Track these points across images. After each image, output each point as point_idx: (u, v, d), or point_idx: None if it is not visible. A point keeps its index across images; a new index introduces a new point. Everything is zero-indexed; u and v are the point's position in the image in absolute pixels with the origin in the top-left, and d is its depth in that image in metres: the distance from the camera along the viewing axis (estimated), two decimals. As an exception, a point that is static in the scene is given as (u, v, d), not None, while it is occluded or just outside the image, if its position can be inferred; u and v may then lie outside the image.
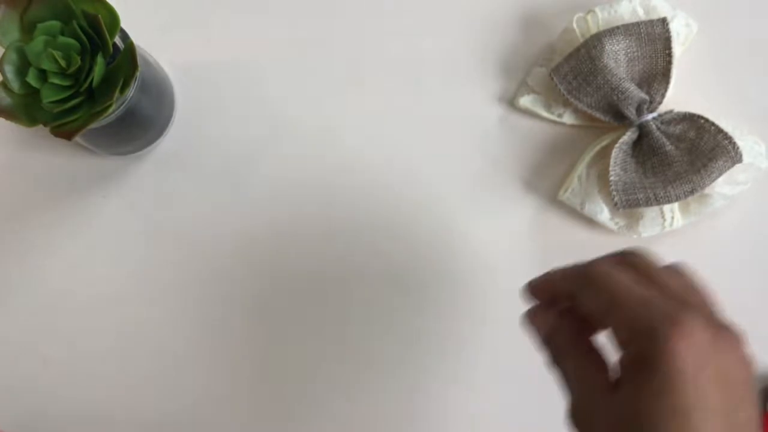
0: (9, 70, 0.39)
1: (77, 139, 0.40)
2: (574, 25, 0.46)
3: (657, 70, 0.44)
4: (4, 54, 0.40)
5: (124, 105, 0.41)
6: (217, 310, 0.46)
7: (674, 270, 0.32)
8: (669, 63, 0.44)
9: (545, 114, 0.47)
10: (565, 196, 0.46)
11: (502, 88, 0.48)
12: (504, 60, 0.48)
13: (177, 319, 0.47)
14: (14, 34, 0.40)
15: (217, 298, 0.46)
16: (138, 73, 0.39)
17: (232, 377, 0.46)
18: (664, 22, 0.44)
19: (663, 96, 0.44)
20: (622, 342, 0.30)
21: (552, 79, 0.45)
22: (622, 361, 0.30)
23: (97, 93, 0.40)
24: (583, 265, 0.33)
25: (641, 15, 0.45)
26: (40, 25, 0.39)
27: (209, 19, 0.50)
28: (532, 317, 0.34)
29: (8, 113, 0.40)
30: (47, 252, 0.47)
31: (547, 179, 0.47)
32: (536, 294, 0.35)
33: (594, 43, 0.44)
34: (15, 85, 0.40)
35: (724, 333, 0.29)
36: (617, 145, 0.44)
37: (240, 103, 0.48)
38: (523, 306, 0.34)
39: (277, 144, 0.48)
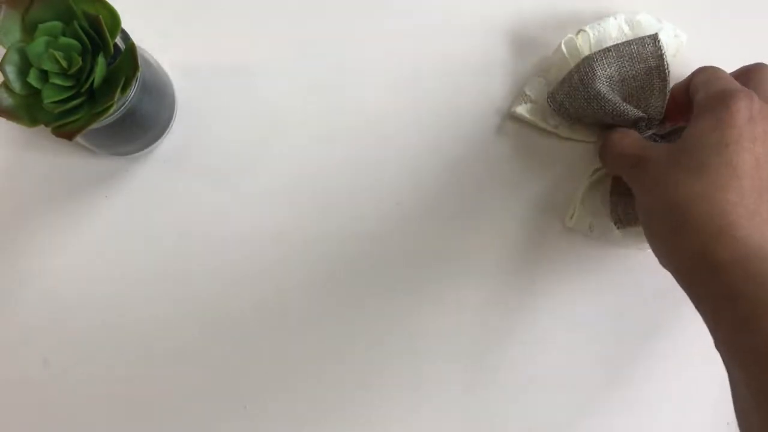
0: (10, 71, 0.39)
1: (78, 139, 0.40)
2: (563, 47, 0.45)
3: (653, 88, 0.44)
4: (5, 54, 0.40)
5: (125, 105, 0.41)
6: (218, 309, 0.47)
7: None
8: (664, 81, 0.43)
9: (541, 124, 0.47)
10: (571, 223, 0.46)
11: (500, 97, 0.48)
12: (503, 69, 0.48)
13: (177, 318, 0.47)
14: (15, 34, 0.40)
15: (218, 297, 0.47)
16: (139, 74, 0.39)
17: (233, 376, 0.46)
18: (655, 39, 0.43)
19: (661, 112, 0.44)
20: (698, 102, 0.39)
21: (549, 105, 0.45)
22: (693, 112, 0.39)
23: (98, 93, 0.40)
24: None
25: (627, 31, 0.45)
26: (41, 26, 0.39)
27: (210, 19, 0.50)
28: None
29: (9, 113, 0.40)
30: (48, 252, 0.47)
31: (542, 187, 0.47)
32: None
33: (585, 69, 0.44)
34: (16, 86, 0.40)
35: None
36: None
37: (240, 104, 0.48)
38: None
39: (277, 144, 0.48)
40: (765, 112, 0.37)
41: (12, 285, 0.47)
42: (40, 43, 0.39)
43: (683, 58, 0.46)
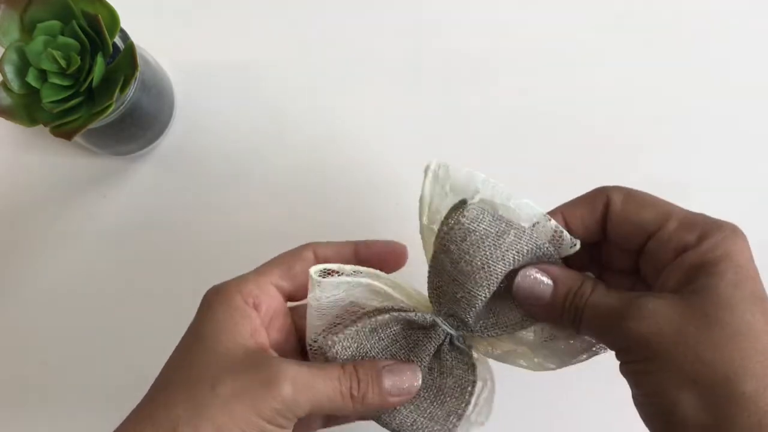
0: (9, 70, 0.39)
1: (77, 138, 0.40)
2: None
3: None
4: (4, 54, 0.40)
5: (124, 105, 0.41)
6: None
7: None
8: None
9: None
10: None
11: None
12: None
13: (177, 318, 0.46)
14: (14, 34, 0.40)
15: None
16: (138, 73, 0.39)
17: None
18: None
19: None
20: (685, 246, 0.30)
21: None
22: (689, 263, 0.30)
23: (97, 93, 0.40)
24: (608, 186, 0.33)
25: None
26: (40, 25, 0.39)
27: (209, 19, 0.50)
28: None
29: (8, 113, 0.40)
30: (47, 251, 0.47)
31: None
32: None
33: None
34: (15, 85, 0.40)
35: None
36: None
37: (240, 103, 0.48)
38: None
39: (277, 143, 0.48)
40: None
41: (12, 285, 0.47)
42: (38, 42, 0.39)
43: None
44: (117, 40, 0.41)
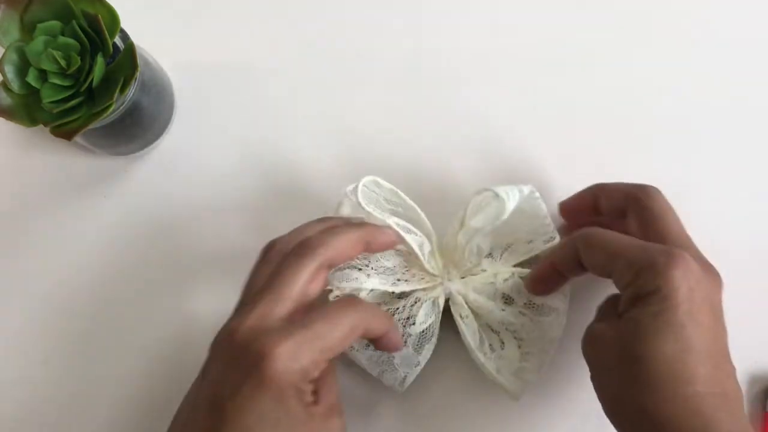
0: (9, 70, 0.39)
1: (77, 139, 0.40)
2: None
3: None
4: (4, 54, 0.40)
5: (124, 105, 0.41)
6: (218, 308, 0.46)
7: (672, 217, 0.38)
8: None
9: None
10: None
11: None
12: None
13: (178, 318, 0.47)
14: (14, 34, 0.40)
15: (218, 296, 0.46)
16: (138, 74, 0.39)
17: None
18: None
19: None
20: (627, 283, 0.34)
21: None
22: (628, 297, 0.34)
23: (97, 93, 0.40)
24: (579, 233, 0.38)
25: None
26: (40, 25, 0.39)
27: (209, 19, 0.50)
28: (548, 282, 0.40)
29: (8, 113, 0.40)
30: (47, 252, 0.47)
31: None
32: (539, 286, 0.41)
33: None
34: (15, 85, 0.40)
35: (710, 268, 0.35)
36: None
37: (240, 103, 0.48)
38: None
39: (277, 143, 0.48)
40: (703, 274, 0.34)
41: (12, 285, 0.47)
42: (39, 42, 0.39)
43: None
44: (117, 40, 0.41)
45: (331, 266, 0.36)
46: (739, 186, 0.47)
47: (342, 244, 0.36)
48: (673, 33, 0.49)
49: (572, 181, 0.44)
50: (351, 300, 0.35)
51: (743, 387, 0.45)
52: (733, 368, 0.34)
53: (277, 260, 0.36)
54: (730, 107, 0.48)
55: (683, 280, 0.33)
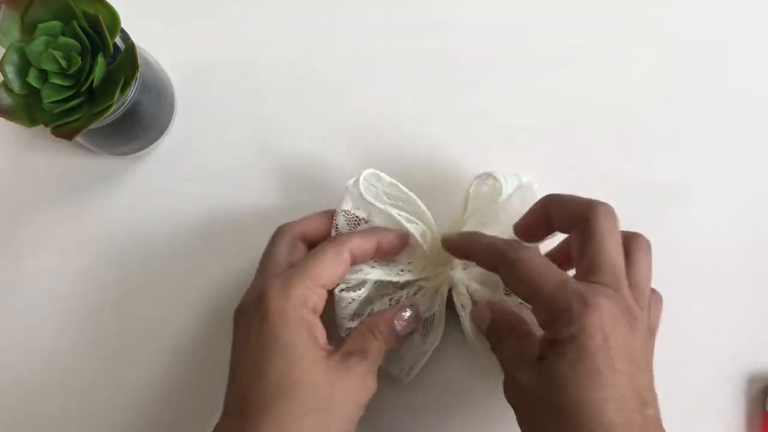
0: (10, 71, 0.39)
1: (78, 139, 0.40)
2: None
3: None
4: (4, 54, 0.40)
5: (124, 105, 0.41)
6: (218, 308, 0.47)
7: (612, 243, 0.36)
8: None
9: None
10: None
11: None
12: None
13: (178, 317, 0.47)
14: (15, 34, 0.40)
15: (218, 296, 0.46)
16: (138, 74, 0.39)
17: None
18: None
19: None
20: (544, 322, 0.35)
21: None
22: (545, 339, 0.35)
23: (98, 93, 0.40)
24: (504, 244, 0.38)
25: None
26: (40, 26, 0.39)
27: (209, 19, 0.50)
28: (474, 313, 0.41)
29: (9, 113, 0.40)
30: (47, 252, 0.47)
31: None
32: (451, 249, 0.41)
33: None
34: (16, 86, 0.40)
35: (629, 310, 0.34)
36: None
37: (240, 103, 0.48)
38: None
39: (277, 143, 0.48)
40: (620, 318, 0.34)
41: (12, 285, 0.47)
42: (39, 42, 0.39)
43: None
44: (117, 40, 0.41)
45: (354, 260, 0.39)
46: (739, 186, 0.47)
47: (361, 241, 0.40)
48: (673, 33, 0.50)
49: (572, 181, 0.44)
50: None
51: (743, 387, 0.45)
52: (656, 411, 0.34)
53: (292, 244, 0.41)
54: (730, 107, 0.48)
55: (598, 329, 0.33)
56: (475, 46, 0.49)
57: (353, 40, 0.49)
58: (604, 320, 0.33)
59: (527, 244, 0.39)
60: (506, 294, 0.42)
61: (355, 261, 0.39)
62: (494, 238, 0.39)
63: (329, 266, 0.38)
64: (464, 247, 0.40)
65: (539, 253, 0.37)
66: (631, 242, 0.37)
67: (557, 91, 0.48)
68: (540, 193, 0.41)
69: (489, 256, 0.38)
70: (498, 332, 0.39)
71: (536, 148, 0.48)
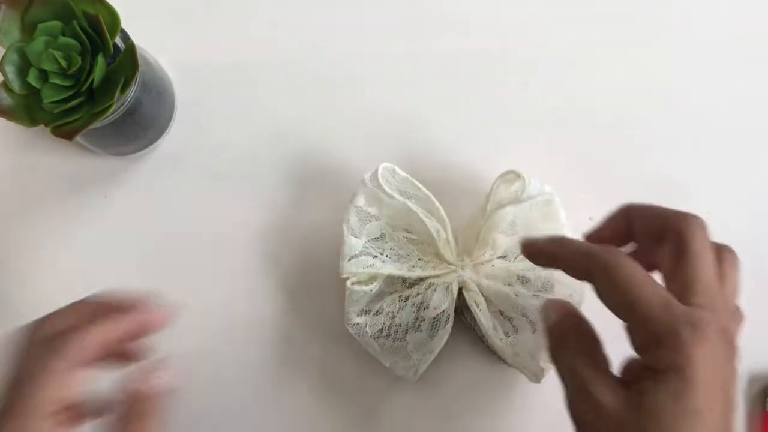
0: (10, 71, 0.40)
1: (78, 139, 0.40)
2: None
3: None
4: (5, 54, 0.40)
5: (124, 105, 0.41)
6: (218, 308, 0.47)
7: (708, 261, 0.33)
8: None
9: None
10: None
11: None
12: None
13: (178, 317, 0.46)
14: (15, 34, 0.40)
15: (218, 296, 0.46)
16: (138, 74, 0.40)
17: (239, 375, 0.46)
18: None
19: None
20: (641, 344, 0.31)
21: None
22: (642, 363, 0.31)
23: (98, 93, 0.40)
24: (601, 247, 0.33)
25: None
26: (40, 26, 0.39)
27: (209, 19, 0.50)
28: (546, 303, 0.36)
29: (9, 113, 0.40)
30: (47, 252, 0.47)
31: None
32: (534, 253, 0.36)
33: None
34: (16, 86, 0.40)
35: (732, 344, 0.32)
36: None
37: (240, 103, 0.48)
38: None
39: (277, 143, 0.48)
40: (725, 349, 0.31)
41: (12, 285, 0.47)
42: (39, 42, 0.39)
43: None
44: (117, 40, 0.41)
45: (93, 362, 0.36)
46: (740, 186, 0.47)
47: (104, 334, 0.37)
48: (672, 33, 0.50)
49: (572, 180, 0.44)
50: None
51: (743, 387, 0.45)
52: None
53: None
54: (730, 107, 0.48)
55: (706, 364, 0.30)
56: (475, 46, 0.49)
57: (353, 40, 0.49)
58: (712, 354, 0.30)
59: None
60: (522, 284, 0.42)
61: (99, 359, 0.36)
62: (586, 242, 0.36)
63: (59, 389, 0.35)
64: (551, 250, 0.36)
65: (638, 263, 0.33)
66: (720, 255, 0.35)
67: (557, 91, 0.49)
68: (562, 208, 0.41)
69: (582, 260, 0.34)
70: (564, 335, 0.34)
71: (536, 148, 0.48)
